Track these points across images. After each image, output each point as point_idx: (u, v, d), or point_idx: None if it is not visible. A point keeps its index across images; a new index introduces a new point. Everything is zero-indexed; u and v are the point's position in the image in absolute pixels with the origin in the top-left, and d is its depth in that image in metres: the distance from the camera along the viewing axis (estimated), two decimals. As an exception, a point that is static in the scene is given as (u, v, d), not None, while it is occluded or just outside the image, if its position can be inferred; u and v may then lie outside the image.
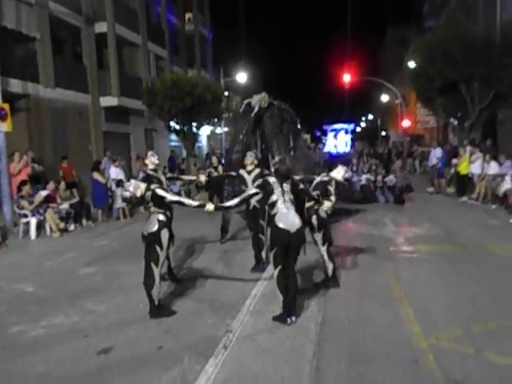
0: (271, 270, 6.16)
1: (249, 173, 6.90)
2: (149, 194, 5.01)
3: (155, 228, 4.99)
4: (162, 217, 5.05)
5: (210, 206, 4.87)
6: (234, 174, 7.10)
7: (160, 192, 4.99)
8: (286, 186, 4.80)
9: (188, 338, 4.42)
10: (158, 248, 4.97)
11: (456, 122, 18.79)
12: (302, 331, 4.49)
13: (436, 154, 15.96)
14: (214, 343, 4.26)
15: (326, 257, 5.72)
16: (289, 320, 4.65)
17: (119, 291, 5.98)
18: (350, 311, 4.98)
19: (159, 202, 5.01)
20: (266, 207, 5.01)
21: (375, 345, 4.14)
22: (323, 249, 5.72)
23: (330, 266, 5.74)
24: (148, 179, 6.02)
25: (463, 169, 13.56)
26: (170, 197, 5.03)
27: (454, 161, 14.61)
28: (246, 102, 9.05)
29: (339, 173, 5.92)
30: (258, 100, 8.71)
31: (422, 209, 12.17)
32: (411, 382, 3.51)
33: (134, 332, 4.64)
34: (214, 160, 10.92)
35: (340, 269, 6.76)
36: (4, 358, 4.21)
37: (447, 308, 4.98)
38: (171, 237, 5.13)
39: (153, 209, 5.08)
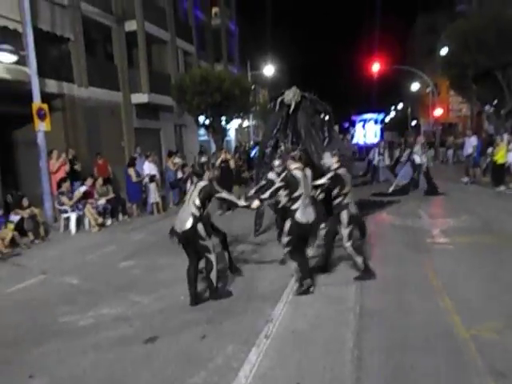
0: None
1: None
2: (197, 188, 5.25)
3: (189, 224, 5.15)
4: (195, 210, 5.21)
5: (255, 204, 5.12)
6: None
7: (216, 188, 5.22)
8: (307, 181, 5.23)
9: (230, 328, 4.57)
10: (200, 240, 5.19)
11: (492, 110, 18.28)
12: (341, 322, 4.57)
13: (471, 142, 15.59)
14: (256, 333, 4.39)
15: (351, 252, 5.81)
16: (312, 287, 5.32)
17: (159, 283, 6.20)
18: (389, 302, 5.02)
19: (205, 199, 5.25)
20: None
21: (415, 334, 4.19)
22: (348, 244, 5.80)
23: (359, 260, 5.82)
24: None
25: (500, 158, 13.21)
26: (224, 194, 5.26)
27: (490, 149, 14.25)
28: (279, 99, 9.02)
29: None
30: (293, 96, 8.71)
31: (457, 199, 11.97)
32: (454, 371, 3.55)
33: (178, 322, 4.83)
34: (223, 155, 11.15)
35: (376, 261, 6.80)
36: (56, 344, 4.47)
37: (488, 299, 4.96)
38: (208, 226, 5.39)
39: (197, 202, 5.22)
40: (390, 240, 7.97)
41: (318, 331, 4.39)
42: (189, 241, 5.25)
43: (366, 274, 5.80)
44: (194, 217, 5.20)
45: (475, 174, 15.26)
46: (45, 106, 10.83)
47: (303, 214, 5.21)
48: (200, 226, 5.19)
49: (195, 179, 5.62)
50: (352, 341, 4.14)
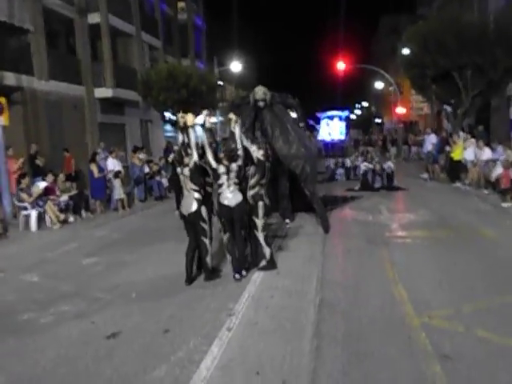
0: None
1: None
2: (188, 168, 5.71)
3: (194, 207, 5.68)
4: (197, 195, 5.70)
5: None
6: None
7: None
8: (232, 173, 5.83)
9: (193, 322, 4.62)
10: (202, 223, 5.73)
11: (450, 109, 18.98)
12: (301, 314, 4.70)
13: (431, 140, 16.17)
14: (218, 326, 4.47)
15: (263, 242, 6.08)
16: (237, 275, 5.76)
17: (122, 280, 6.17)
18: (347, 293, 5.20)
19: (198, 178, 5.71)
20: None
21: (370, 324, 4.37)
22: (261, 235, 6.08)
23: (267, 252, 6.14)
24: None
25: (457, 155, 13.78)
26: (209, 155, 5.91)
27: (448, 147, 14.84)
28: (251, 96, 9.06)
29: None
30: (263, 92, 8.81)
31: (416, 195, 12.42)
32: (405, 357, 3.74)
33: (141, 317, 4.84)
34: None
35: (337, 254, 7.02)
36: (15, 342, 4.40)
37: (439, 289, 5.21)
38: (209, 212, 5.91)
39: (189, 185, 5.68)
40: (351, 234, 8.21)
41: (280, 323, 4.50)
42: (193, 223, 5.75)
43: (270, 264, 6.14)
44: (198, 200, 5.73)
45: (434, 170, 15.84)
46: (2, 100, 10.48)
47: (225, 197, 5.84)
48: (204, 209, 5.72)
49: (179, 169, 5.89)
50: (311, 331, 4.27)
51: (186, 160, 5.77)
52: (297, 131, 9.13)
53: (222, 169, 5.87)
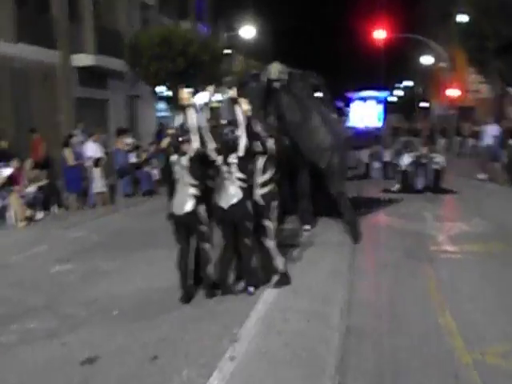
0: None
1: None
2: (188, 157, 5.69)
3: (190, 206, 5.68)
4: (194, 191, 5.67)
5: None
6: None
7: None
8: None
9: (187, 348, 4.67)
10: (201, 226, 5.75)
11: (516, 92, 18.84)
12: (322, 342, 4.74)
13: (491, 131, 16.03)
14: (219, 354, 4.50)
15: (274, 250, 6.12)
16: (250, 289, 5.92)
17: (101, 293, 6.25)
18: (381, 320, 5.23)
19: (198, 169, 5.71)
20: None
21: (409, 358, 4.39)
22: (271, 242, 6.12)
23: (280, 262, 6.17)
24: None
25: (523, 151, 13.69)
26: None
27: (512, 141, 14.75)
28: (262, 75, 9.10)
29: None
30: (280, 70, 8.84)
31: (469, 200, 12.38)
32: (451, 402, 3.76)
33: (123, 339, 4.90)
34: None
35: (368, 270, 7.04)
36: (-29, 366, 4.49)
37: (496, 319, 5.21)
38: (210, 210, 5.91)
39: (186, 179, 5.67)
40: (387, 246, 8.23)
41: (295, 353, 4.53)
42: (188, 225, 5.78)
43: (284, 278, 6.17)
44: (195, 197, 5.70)
45: (494, 169, 15.73)
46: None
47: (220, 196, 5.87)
48: (202, 209, 5.73)
49: (175, 157, 5.80)
50: (334, 365, 4.30)
51: (185, 147, 5.80)
52: (323, 114, 9.16)
53: (220, 160, 5.89)
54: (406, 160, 14.40)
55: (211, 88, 6.97)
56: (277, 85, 8.90)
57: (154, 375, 4.22)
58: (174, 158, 5.84)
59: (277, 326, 5.14)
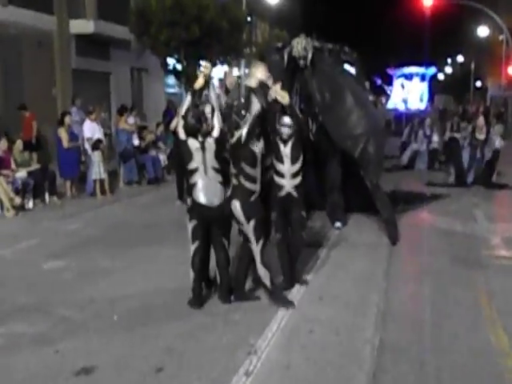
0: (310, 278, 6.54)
1: None
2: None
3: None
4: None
5: None
6: None
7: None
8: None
9: (197, 360, 4.70)
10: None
11: None
12: (352, 358, 4.74)
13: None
14: (233, 368, 4.53)
15: (258, 259, 5.82)
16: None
17: (99, 294, 6.32)
18: (421, 335, 5.20)
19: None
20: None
21: (452, 380, 4.37)
22: (255, 247, 5.81)
23: (266, 276, 5.83)
24: None
25: None
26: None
27: None
28: (286, 51, 9.06)
29: None
30: (305, 46, 8.81)
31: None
32: (502, 432, 3.75)
33: (124, 348, 4.96)
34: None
35: (407, 277, 7.01)
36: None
37: (557, 337, 5.16)
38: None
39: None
40: (430, 249, 8.20)
41: (321, 369, 4.54)
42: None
43: (278, 299, 5.92)
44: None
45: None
46: None
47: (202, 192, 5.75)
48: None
49: (195, 142, 5.71)
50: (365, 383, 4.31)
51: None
52: (357, 96, 9.11)
53: (195, 144, 5.72)
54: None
55: (227, 70, 7.01)
56: (302, 63, 8.88)
57: (158, 389, 4.27)
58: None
59: (300, 337, 5.16)
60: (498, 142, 14.05)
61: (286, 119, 6.12)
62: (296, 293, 6.21)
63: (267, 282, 5.84)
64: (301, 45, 8.85)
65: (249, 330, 5.30)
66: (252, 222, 5.68)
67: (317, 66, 8.91)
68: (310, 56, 8.80)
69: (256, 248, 5.76)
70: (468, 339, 5.11)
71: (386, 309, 5.84)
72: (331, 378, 4.42)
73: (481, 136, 14.00)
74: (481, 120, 13.99)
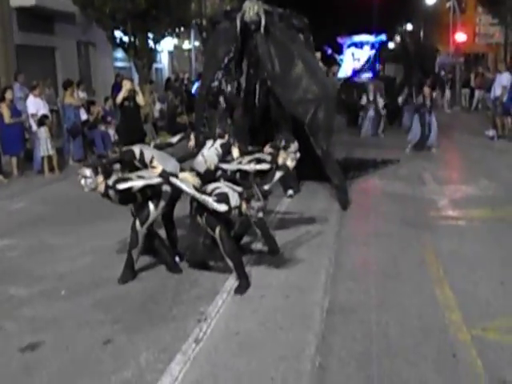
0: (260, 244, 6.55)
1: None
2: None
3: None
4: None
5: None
6: None
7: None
8: None
9: (146, 331, 4.69)
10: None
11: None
12: (301, 320, 4.78)
13: (501, 81, 16.06)
14: (182, 336, 4.54)
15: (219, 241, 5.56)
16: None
17: (47, 271, 6.23)
18: (370, 295, 5.29)
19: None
20: None
21: (400, 336, 4.45)
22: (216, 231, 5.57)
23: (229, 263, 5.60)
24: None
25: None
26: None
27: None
28: (238, 17, 8.92)
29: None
30: (257, 10, 8.70)
31: (477, 160, 12.47)
32: (446, 381, 3.83)
33: (70, 322, 4.91)
34: (127, 85, 11.08)
35: (359, 240, 7.10)
36: None
37: (500, 291, 5.31)
38: None
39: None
40: (380, 213, 8.28)
41: (270, 333, 4.58)
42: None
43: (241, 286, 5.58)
44: None
45: (504, 124, 15.84)
46: None
47: None
48: None
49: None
50: (314, 345, 4.35)
51: None
52: (307, 62, 9.07)
53: None
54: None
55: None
56: (254, 27, 8.78)
57: (106, 361, 4.23)
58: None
59: (251, 303, 5.18)
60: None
61: None
62: (247, 260, 6.18)
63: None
64: (253, 10, 8.75)
65: (199, 299, 5.30)
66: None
67: (268, 31, 8.82)
68: (263, 21, 8.71)
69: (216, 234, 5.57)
70: (415, 297, 5.21)
71: (335, 271, 5.91)
72: (281, 341, 4.45)
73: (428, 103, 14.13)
74: (426, 89, 14.07)
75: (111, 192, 5.54)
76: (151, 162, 5.64)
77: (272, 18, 9.04)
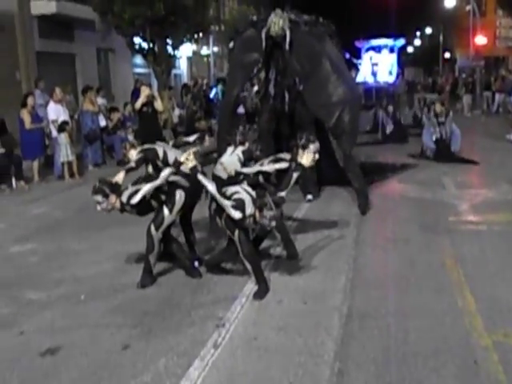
0: (279, 247, 6.54)
1: None
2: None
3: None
4: None
5: None
6: None
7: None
8: None
9: (164, 336, 4.69)
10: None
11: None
12: (320, 326, 4.75)
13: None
14: (200, 341, 4.54)
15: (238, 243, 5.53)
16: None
17: (67, 275, 6.27)
18: (389, 300, 5.24)
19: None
20: None
21: (420, 342, 4.41)
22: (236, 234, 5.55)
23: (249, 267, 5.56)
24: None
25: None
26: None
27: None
28: (263, 32, 8.92)
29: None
30: (282, 23, 8.71)
31: (497, 164, 12.34)
32: (467, 389, 3.79)
33: (90, 327, 4.93)
34: (146, 91, 11.13)
35: (376, 245, 7.05)
36: None
37: (523, 297, 5.23)
38: None
39: None
40: (400, 217, 8.26)
41: (289, 338, 4.56)
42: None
43: (260, 291, 5.54)
44: None
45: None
46: None
47: None
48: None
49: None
50: (333, 351, 4.32)
51: None
52: (335, 63, 9.03)
53: None
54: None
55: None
56: (279, 40, 8.80)
57: (126, 366, 4.24)
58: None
59: (268, 308, 5.17)
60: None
61: None
62: (265, 264, 6.17)
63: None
64: (278, 25, 8.73)
65: (217, 304, 5.30)
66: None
67: (295, 42, 8.82)
68: (288, 36, 8.72)
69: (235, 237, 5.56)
70: (435, 303, 5.15)
71: (354, 276, 5.87)
72: (299, 346, 4.43)
73: (441, 118, 13.92)
74: (437, 107, 13.84)
75: (127, 208, 5.66)
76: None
77: (298, 26, 9.03)
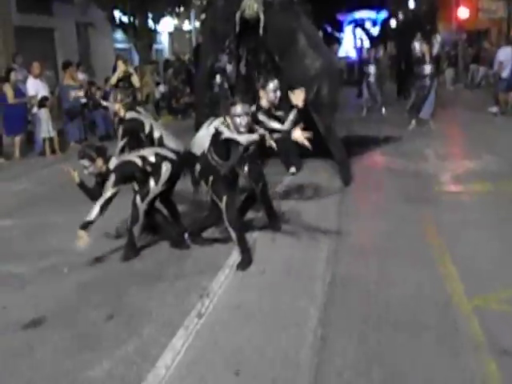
0: (263, 219, 6.56)
1: None
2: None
3: None
4: None
5: None
6: None
7: None
8: None
9: (148, 305, 4.72)
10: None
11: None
12: (303, 293, 4.80)
13: (501, 55, 15.84)
14: (185, 311, 4.57)
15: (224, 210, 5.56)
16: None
17: (48, 249, 6.25)
18: (371, 268, 5.29)
19: None
20: None
21: (402, 308, 4.47)
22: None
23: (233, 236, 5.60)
24: None
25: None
26: None
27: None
28: (237, 16, 8.82)
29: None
30: (257, 6, 8.62)
31: (480, 135, 12.39)
32: (448, 352, 3.84)
33: (73, 299, 4.94)
34: (122, 67, 10.88)
35: (360, 215, 7.09)
36: None
37: (503, 263, 5.30)
38: None
39: None
40: (383, 188, 8.31)
41: (272, 306, 4.61)
42: None
43: (243, 262, 5.56)
44: None
45: (507, 101, 15.71)
46: None
47: None
48: None
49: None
50: (316, 317, 4.37)
51: None
52: (310, 37, 8.98)
53: None
54: None
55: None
56: (254, 22, 8.72)
57: (109, 336, 4.26)
58: None
59: (253, 277, 5.22)
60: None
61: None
62: (249, 236, 6.19)
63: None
64: (252, 8, 8.66)
65: (201, 274, 5.32)
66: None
67: (270, 21, 8.74)
68: (261, 20, 8.64)
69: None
70: (416, 270, 5.20)
71: (337, 245, 5.91)
72: (282, 314, 4.47)
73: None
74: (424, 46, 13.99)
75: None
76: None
77: (272, 7, 8.95)
